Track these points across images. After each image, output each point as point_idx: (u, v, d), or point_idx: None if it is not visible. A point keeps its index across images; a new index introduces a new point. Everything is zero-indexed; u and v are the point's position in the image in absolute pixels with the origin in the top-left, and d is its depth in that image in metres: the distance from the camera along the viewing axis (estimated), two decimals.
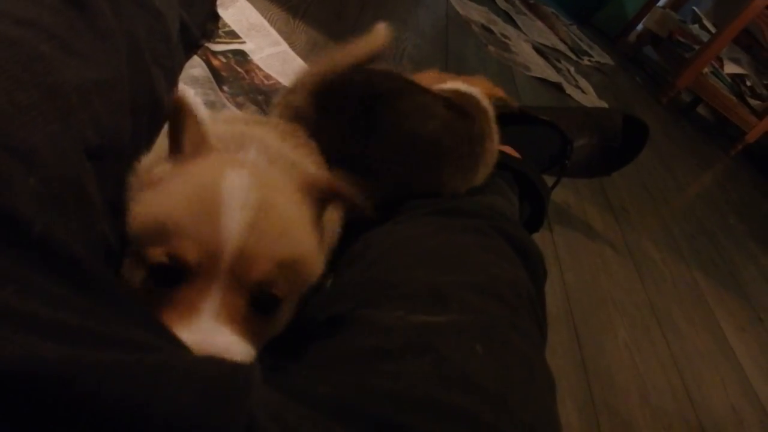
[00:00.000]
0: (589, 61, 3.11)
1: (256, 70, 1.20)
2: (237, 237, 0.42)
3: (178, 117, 0.51)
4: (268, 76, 1.21)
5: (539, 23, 3.09)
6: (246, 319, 0.43)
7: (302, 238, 0.47)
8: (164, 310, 0.43)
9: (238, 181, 0.45)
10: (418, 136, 0.79)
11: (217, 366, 0.29)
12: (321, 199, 0.51)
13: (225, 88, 1.08)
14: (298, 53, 1.34)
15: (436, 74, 1.04)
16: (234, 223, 0.42)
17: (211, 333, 0.41)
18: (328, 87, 0.79)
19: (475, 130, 0.86)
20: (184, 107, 0.51)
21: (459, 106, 0.86)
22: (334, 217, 0.55)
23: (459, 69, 1.93)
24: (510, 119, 1.28)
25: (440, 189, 0.84)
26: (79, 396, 0.24)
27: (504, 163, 1.06)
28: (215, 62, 1.13)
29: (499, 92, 1.04)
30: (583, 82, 2.66)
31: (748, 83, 3.53)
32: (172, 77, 0.76)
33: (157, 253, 0.43)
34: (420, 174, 0.81)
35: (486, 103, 0.96)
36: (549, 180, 1.32)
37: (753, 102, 3.47)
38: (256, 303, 0.44)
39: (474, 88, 0.97)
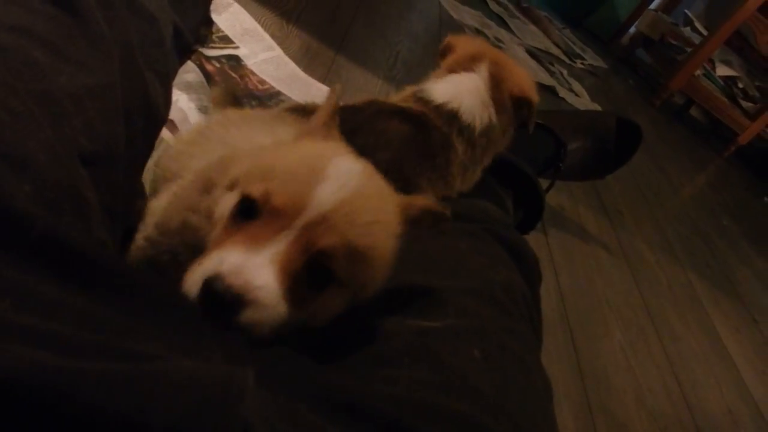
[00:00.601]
0: (582, 64, 3.12)
1: (250, 75, 1.20)
2: (323, 205, 0.45)
3: (326, 107, 0.56)
4: (262, 81, 1.21)
5: (532, 27, 3.10)
6: (295, 279, 0.45)
7: (383, 242, 0.49)
8: (233, 235, 0.46)
9: (349, 166, 0.49)
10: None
11: (211, 373, 0.29)
12: (407, 223, 0.53)
13: (224, 86, 1.08)
14: (292, 58, 1.34)
15: (479, 45, 1.00)
16: (327, 194, 0.46)
17: (256, 266, 0.43)
18: None
19: (434, 141, 0.84)
20: (333, 102, 0.57)
21: (417, 116, 0.84)
22: None
23: None
24: None
25: None
26: (75, 405, 0.24)
27: (502, 162, 1.06)
28: (209, 67, 1.12)
29: (532, 96, 0.97)
30: (576, 85, 2.66)
31: (740, 85, 3.55)
32: (166, 82, 0.76)
33: (256, 189, 0.46)
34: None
35: (474, 116, 0.90)
36: (543, 183, 1.33)
37: (745, 104, 3.49)
38: (312, 274, 0.45)
39: (474, 96, 0.91)
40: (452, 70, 0.95)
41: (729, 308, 1.78)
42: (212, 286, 0.41)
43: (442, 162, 0.85)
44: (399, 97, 0.93)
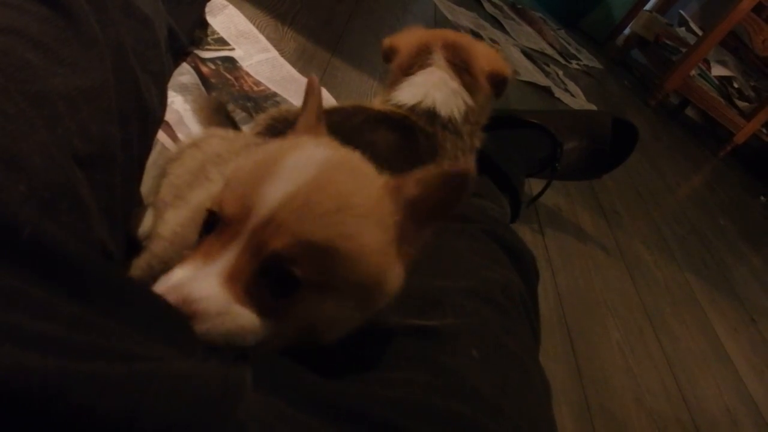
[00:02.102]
0: (578, 64, 3.13)
1: (246, 77, 1.20)
2: (271, 203, 0.41)
3: (305, 98, 0.52)
4: (257, 83, 1.20)
5: (527, 28, 3.10)
6: (251, 287, 0.41)
7: (358, 231, 0.43)
8: (192, 252, 0.43)
9: (304, 156, 0.44)
10: None
11: (207, 374, 0.29)
12: (413, 208, 0.46)
13: (214, 95, 1.08)
14: (288, 59, 1.34)
15: (420, 35, 0.94)
16: (276, 191, 0.42)
17: (197, 279, 0.40)
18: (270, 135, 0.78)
19: (421, 145, 0.83)
20: (312, 90, 0.51)
21: (402, 121, 0.84)
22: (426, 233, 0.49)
23: None
24: (500, 122, 1.29)
25: None
26: (65, 409, 0.23)
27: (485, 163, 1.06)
28: (204, 69, 1.12)
29: (507, 71, 0.92)
30: (572, 86, 2.67)
31: (736, 85, 3.56)
32: (161, 83, 0.76)
33: (215, 202, 0.44)
34: None
35: (451, 108, 0.87)
36: (539, 183, 1.33)
37: (740, 103, 3.50)
38: (273, 280, 0.41)
39: (442, 88, 0.88)
40: (407, 72, 0.91)
41: (727, 308, 1.78)
42: None
43: (435, 160, 0.85)
44: (375, 102, 0.91)
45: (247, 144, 0.70)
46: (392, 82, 0.93)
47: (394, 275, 0.47)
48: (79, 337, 0.28)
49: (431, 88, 0.88)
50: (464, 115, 0.89)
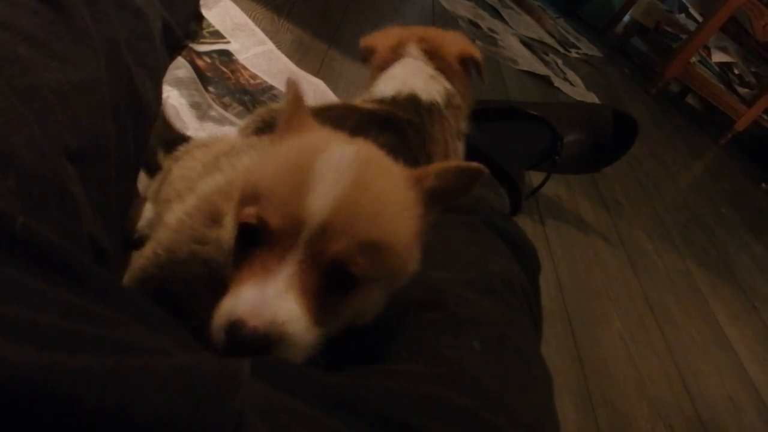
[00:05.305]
0: (577, 53, 3.11)
1: (242, 70, 1.19)
2: (321, 211, 0.42)
3: (289, 101, 0.53)
4: (254, 76, 1.19)
5: (526, 17, 3.09)
6: (318, 296, 0.43)
7: (396, 226, 0.46)
8: (241, 267, 0.44)
9: (338, 157, 0.45)
10: None
11: (201, 366, 0.28)
12: (429, 196, 0.49)
13: (210, 88, 1.07)
14: (284, 52, 1.33)
15: (395, 32, 0.99)
16: (322, 198, 0.43)
17: (275, 298, 0.41)
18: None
19: (410, 143, 0.83)
20: (294, 93, 0.53)
21: (391, 120, 0.83)
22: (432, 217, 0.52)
23: None
24: (500, 114, 1.28)
25: None
26: (56, 402, 0.23)
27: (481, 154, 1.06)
28: (200, 63, 1.11)
29: (474, 52, 0.97)
30: (571, 75, 2.65)
31: (736, 71, 3.54)
32: (156, 76, 0.75)
33: (248, 214, 0.44)
34: None
35: (431, 93, 0.90)
36: (539, 175, 1.32)
37: (741, 90, 3.48)
38: (332, 282, 0.43)
39: (419, 75, 0.91)
40: (383, 68, 0.95)
41: (728, 295, 1.77)
42: (237, 334, 0.39)
43: (424, 160, 0.85)
44: (357, 101, 0.92)
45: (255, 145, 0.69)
46: (371, 79, 0.97)
47: (416, 258, 0.50)
48: (74, 327, 0.27)
49: (409, 77, 0.91)
50: (445, 99, 0.92)
